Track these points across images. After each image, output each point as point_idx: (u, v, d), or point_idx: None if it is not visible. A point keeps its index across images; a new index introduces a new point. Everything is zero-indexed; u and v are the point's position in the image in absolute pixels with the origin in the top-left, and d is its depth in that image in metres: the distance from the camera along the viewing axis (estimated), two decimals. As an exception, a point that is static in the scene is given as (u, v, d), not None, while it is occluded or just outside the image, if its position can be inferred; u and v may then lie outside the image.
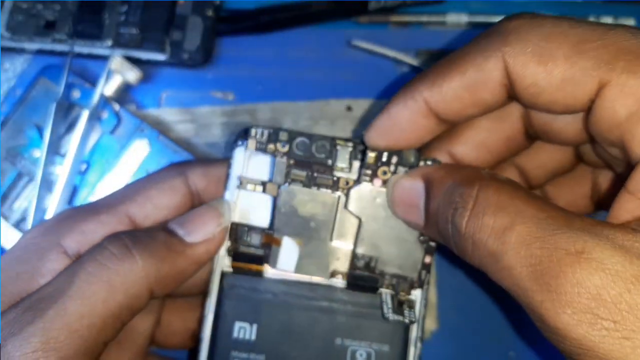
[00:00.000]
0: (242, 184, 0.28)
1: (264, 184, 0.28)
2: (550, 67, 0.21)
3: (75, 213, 0.27)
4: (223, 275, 0.28)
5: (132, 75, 0.36)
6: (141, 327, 0.29)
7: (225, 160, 0.29)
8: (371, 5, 0.38)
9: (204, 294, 0.28)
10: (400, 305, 0.27)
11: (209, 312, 0.28)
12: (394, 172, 0.27)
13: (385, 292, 0.28)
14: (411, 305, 0.28)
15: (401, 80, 0.39)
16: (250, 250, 0.28)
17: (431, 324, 0.37)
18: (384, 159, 0.27)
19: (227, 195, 0.28)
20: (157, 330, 0.30)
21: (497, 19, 0.39)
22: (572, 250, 0.19)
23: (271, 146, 0.28)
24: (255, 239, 0.28)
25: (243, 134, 0.28)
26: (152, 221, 0.27)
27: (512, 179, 0.24)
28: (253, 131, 0.28)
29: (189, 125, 0.38)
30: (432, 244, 0.28)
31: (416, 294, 0.28)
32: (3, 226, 0.35)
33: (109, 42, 0.37)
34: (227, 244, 0.28)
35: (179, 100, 0.38)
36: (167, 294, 0.26)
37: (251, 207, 0.28)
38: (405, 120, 0.25)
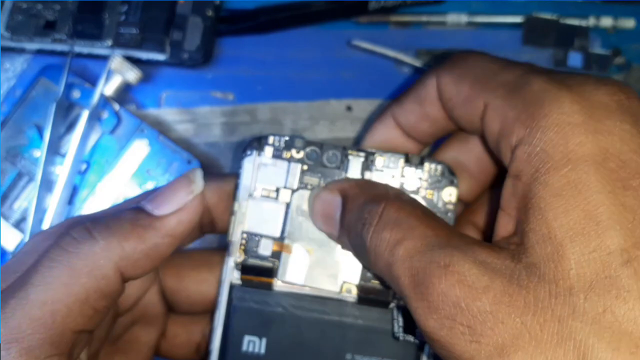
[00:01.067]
0: (254, 192, 0.28)
1: (277, 190, 0.28)
2: (460, 88, 0.25)
3: (79, 220, 0.26)
4: (232, 287, 0.28)
5: (132, 75, 0.36)
6: (145, 337, 0.29)
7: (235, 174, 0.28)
8: (371, 5, 0.38)
9: (212, 307, 0.28)
10: (412, 323, 0.26)
11: (217, 326, 0.27)
12: (401, 176, 0.28)
13: (397, 308, 0.27)
14: None
15: (401, 80, 0.39)
16: (259, 263, 0.27)
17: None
18: (392, 164, 0.28)
19: (236, 206, 0.28)
20: (162, 341, 0.30)
21: (497, 19, 0.39)
22: (441, 264, 0.21)
23: (287, 153, 0.28)
24: (266, 249, 0.28)
25: (253, 143, 0.28)
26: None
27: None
28: (271, 139, 0.28)
29: (189, 125, 0.38)
30: None
31: None
32: (3, 226, 0.35)
33: (109, 42, 0.37)
34: (236, 256, 0.28)
35: (179, 100, 0.38)
36: (146, 272, 0.25)
37: (262, 217, 0.28)
38: (382, 135, 0.29)
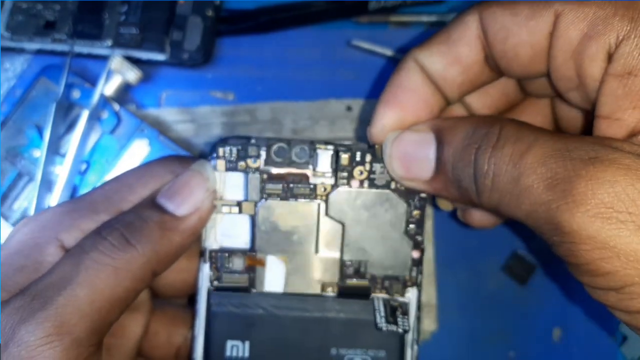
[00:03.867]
0: (217, 207, 0.27)
1: (239, 203, 0.27)
2: (516, 10, 0.23)
3: (73, 208, 0.27)
4: (209, 293, 0.27)
5: (132, 75, 0.36)
6: (133, 326, 0.29)
7: None
8: (371, 5, 0.38)
9: (192, 313, 0.28)
10: (393, 313, 0.27)
11: (199, 333, 0.27)
12: (370, 171, 0.27)
13: (378, 299, 0.27)
14: (405, 311, 0.27)
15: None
16: (234, 280, 0.27)
17: (431, 324, 0.37)
18: (358, 158, 0.27)
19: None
20: (144, 339, 0.30)
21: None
22: (585, 157, 0.20)
23: (242, 163, 0.27)
24: (238, 264, 0.27)
25: (215, 148, 0.27)
26: None
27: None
28: (221, 150, 0.26)
29: (189, 125, 0.38)
30: (419, 238, 0.27)
31: (410, 296, 0.27)
32: (3, 226, 0.35)
33: (109, 42, 0.37)
34: (210, 273, 0.27)
35: (179, 100, 0.38)
36: (167, 269, 0.26)
37: (230, 231, 0.27)
38: (403, 84, 0.26)
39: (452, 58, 0.25)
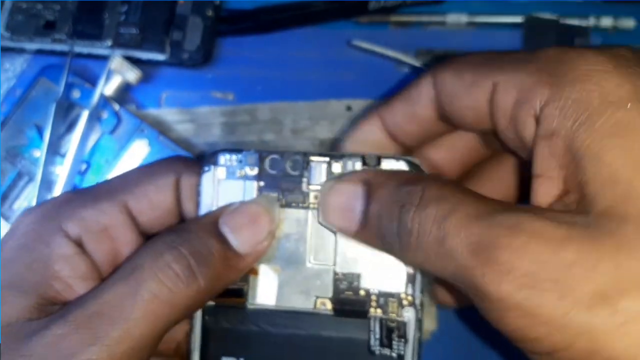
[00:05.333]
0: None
1: None
2: (461, 76, 0.25)
3: (75, 197, 0.26)
4: (205, 309, 0.27)
5: (132, 75, 0.36)
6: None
7: None
8: (371, 5, 0.38)
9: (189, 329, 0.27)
10: (389, 334, 0.26)
11: (194, 349, 0.27)
12: None
13: (375, 319, 0.26)
14: (401, 332, 0.26)
15: (401, 80, 0.39)
16: (229, 290, 0.26)
17: (431, 324, 0.37)
18: (349, 167, 0.26)
19: None
20: None
21: (497, 19, 0.39)
22: (507, 225, 0.20)
23: (240, 171, 0.26)
24: None
25: (210, 159, 0.27)
26: (148, 218, 0.27)
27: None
28: (222, 159, 0.26)
29: (189, 125, 0.38)
30: None
31: (408, 315, 0.26)
32: (3, 226, 0.35)
33: (109, 42, 0.37)
34: None
35: (179, 100, 0.38)
36: None
37: None
38: (365, 135, 0.29)
39: (409, 115, 0.27)
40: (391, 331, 0.26)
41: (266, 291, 0.27)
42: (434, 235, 0.22)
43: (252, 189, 0.26)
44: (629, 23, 0.39)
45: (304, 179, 0.26)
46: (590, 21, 0.39)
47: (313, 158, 0.26)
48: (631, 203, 0.20)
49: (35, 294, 0.24)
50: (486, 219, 0.21)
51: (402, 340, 0.26)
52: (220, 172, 0.26)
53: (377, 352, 0.26)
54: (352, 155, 0.26)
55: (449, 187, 0.23)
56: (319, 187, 0.26)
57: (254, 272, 0.26)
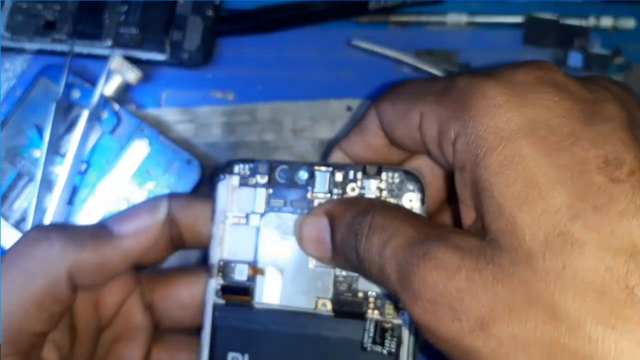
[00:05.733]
0: (227, 219, 0.29)
1: (247, 216, 0.29)
2: (396, 107, 0.27)
3: (75, 234, 0.28)
4: (215, 307, 0.29)
5: (132, 75, 0.36)
6: (130, 355, 0.29)
7: (208, 198, 0.30)
8: (371, 5, 0.38)
9: (198, 328, 0.29)
10: (383, 333, 0.27)
11: (204, 345, 0.28)
12: (361, 187, 0.28)
13: (371, 319, 0.27)
14: (395, 333, 0.27)
15: (401, 80, 0.39)
16: (237, 283, 0.28)
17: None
18: (351, 176, 0.28)
19: (214, 229, 0.29)
20: None
21: (497, 19, 0.39)
22: (420, 253, 0.22)
23: (252, 179, 0.29)
24: (242, 274, 0.28)
25: (225, 168, 0.29)
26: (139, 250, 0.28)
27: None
28: (236, 168, 0.29)
29: (189, 125, 0.38)
30: None
31: (404, 318, 0.27)
32: (3, 226, 0.35)
33: (109, 42, 0.37)
34: (217, 281, 0.29)
35: (179, 100, 0.38)
36: (96, 284, 0.27)
37: (237, 242, 0.29)
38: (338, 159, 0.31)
39: (365, 145, 0.29)
40: (385, 331, 0.27)
41: (271, 291, 0.28)
42: (377, 263, 0.24)
43: (262, 196, 0.29)
44: (629, 23, 0.39)
45: (309, 188, 0.28)
46: (590, 21, 0.39)
47: (318, 168, 0.28)
48: (509, 236, 0.21)
49: None
50: (408, 248, 0.23)
51: (395, 339, 0.27)
52: (234, 180, 0.29)
53: (369, 348, 0.27)
54: (353, 166, 0.28)
55: (392, 214, 0.25)
56: (322, 195, 0.28)
57: (260, 272, 0.28)
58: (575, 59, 0.39)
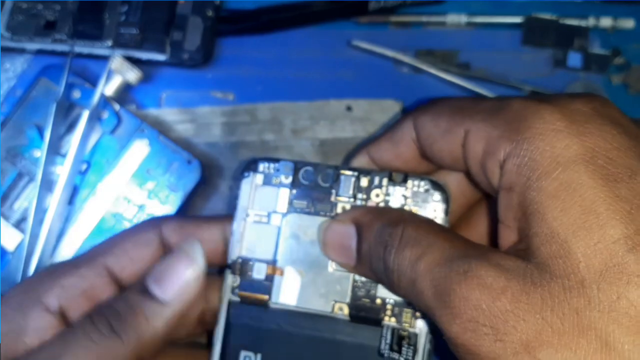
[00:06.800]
0: (248, 217, 0.29)
1: (269, 214, 0.29)
2: (437, 122, 0.27)
3: (55, 269, 0.29)
4: (230, 305, 0.29)
5: (132, 75, 0.36)
6: None
7: (199, 218, 0.30)
8: (371, 5, 0.38)
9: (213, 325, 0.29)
10: (399, 342, 0.27)
11: (217, 341, 0.28)
12: (386, 194, 0.28)
13: (388, 327, 0.27)
14: (411, 341, 0.27)
15: (401, 80, 0.39)
16: (254, 282, 0.28)
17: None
18: (376, 182, 0.28)
19: (235, 226, 0.29)
20: None
21: (497, 19, 0.39)
22: (460, 271, 0.22)
23: (276, 179, 0.29)
24: (260, 273, 0.28)
25: (250, 166, 0.29)
26: (129, 273, 0.29)
27: None
28: (261, 166, 0.29)
29: (189, 125, 0.38)
30: None
31: (420, 326, 0.27)
32: (3, 226, 0.35)
33: (109, 42, 0.37)
34: (232, 285, 0.29)
35: (179, 100, 0.38)
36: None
37: (257, 240, 0.29)
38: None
39: (394, 154, 0.29)
40: (402, 339, 0.27)
41: (289, 291, 0.28)
42: (409, 277, 0.24)
43: (285, 196, 0.29)
44: (628, 23, 0.39)
45: (333, 191, 0.28)
46: (590, 21, 0.39)
47: (343, 172, 0.28)
48: (561, 262, 0.21)
49: None
50: (446, 265, 0.23)
51: (412, 347, 0.27)
52: (258, 178, 0.29)
53: (387, 354, 0.27)
54: (379, 172, 0.28)
55: (424, 228, 0.25)
56: (346, 199, 0.28)
57: (279, 272, 0.28)
58: (574, 59, 0.39)
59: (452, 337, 0.22)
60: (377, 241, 0.25)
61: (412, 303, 0.25)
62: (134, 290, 0.28)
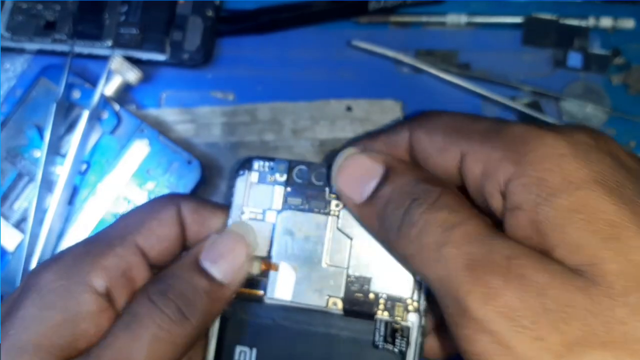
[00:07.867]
0: (244, 214, 0.29)
1: (264, 212, 0.29)
2: (432, 139, 0.26)
3: (91, 248, 0.28)
4: None
5: (132, 75, 0.36)
6: None
7: (215, 204, 0.30)
8: (371, 5, 0.38)
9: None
10: (393, 333, 0.28)
11: (212, 336, 0.29)
12: None
13: (380, 319, 0.28)
14: (405, 333, 0.28)
15: (401, 80, 0.39)
16: (249, 277, 0.29)
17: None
18: None
19: (230, 223, 0.29)
20: None
21: (497, 19, 0.39)
22: (504, 255, 0.22)
23: (271, 177, 0.29)
24: (255, 269, 0.29)
25: (245, 164, 0.30)
26: (157, 251, 0.28)
27: None
28: (256, 164, 0.29)
29: (189, 125, 0.38)
30: None
31: (412, 320, 0.28)
32: (3, 226, 0.35)
33: (109, 42, 0.37)
34: None
35: (179, 100, 0.38)
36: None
37: None
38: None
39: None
40: (395, 331, 0.28)
41: (284, 287, 0.29)
42: (436, 238, 0.23)
43: (279, 194, 0.29)
44: (628, 23, 0.39)
45: (327, 189, 0.29)
46: (590, 21, 0.39)
47: None
48: (598, 270, 0.21)
49: (61, 355, 0.25)
50: (489, 242, 0.22)
51: (405, 339, 0.28)
52: (253, 176, 0.29)
53: (381, 346, 0.28)
54: None
55: (464, 201, 0.24)
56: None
57: (274, 267, 0.29)
58: (574, 59, 0.39)
59: (480, 318, 0.21)
60: (406, 191, 0.25)
61: (413, 265, 0.25)
62: (190, 269, 0.27)
